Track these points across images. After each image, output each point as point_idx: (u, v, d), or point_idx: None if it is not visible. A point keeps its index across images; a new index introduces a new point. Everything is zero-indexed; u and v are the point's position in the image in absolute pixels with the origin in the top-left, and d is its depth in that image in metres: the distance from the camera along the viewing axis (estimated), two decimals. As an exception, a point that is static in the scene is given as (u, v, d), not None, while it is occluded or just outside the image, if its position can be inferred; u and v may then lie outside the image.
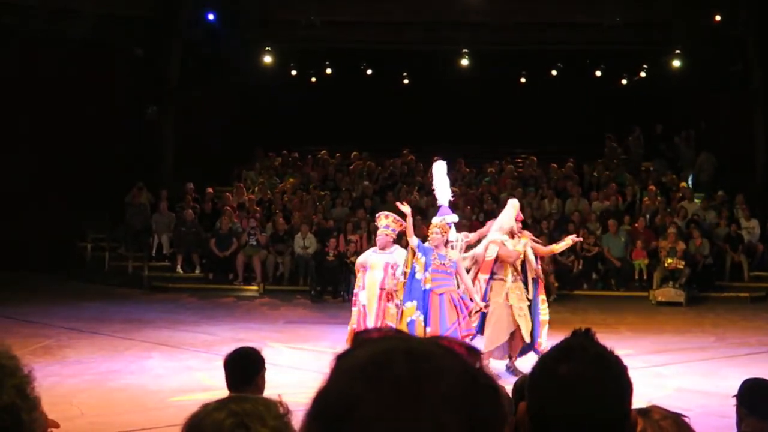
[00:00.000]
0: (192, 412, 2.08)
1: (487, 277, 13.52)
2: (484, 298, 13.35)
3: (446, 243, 13.33)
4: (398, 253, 13.76)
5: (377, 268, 13.77)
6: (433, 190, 14.62)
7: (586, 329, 2.28)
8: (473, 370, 1.43)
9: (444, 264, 13.10)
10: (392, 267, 13.68)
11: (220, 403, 2.09)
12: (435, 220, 13.68)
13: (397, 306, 13.46)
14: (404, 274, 13.43)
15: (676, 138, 27.92)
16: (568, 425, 2.11)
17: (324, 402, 1.40)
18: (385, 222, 13.96)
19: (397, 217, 14.01)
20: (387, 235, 13.84)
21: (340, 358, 1.46)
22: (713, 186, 25.66)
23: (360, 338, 1.49)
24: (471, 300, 13.24)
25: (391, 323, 13.22)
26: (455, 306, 13.06)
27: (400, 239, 14.53)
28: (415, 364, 1.38)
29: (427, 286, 13.06)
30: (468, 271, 13.51)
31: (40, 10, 23.58)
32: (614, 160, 27.98)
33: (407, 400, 1.34)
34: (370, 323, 13.55)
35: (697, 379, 13.48)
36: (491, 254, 13.46)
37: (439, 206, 14.04)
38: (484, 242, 13.72)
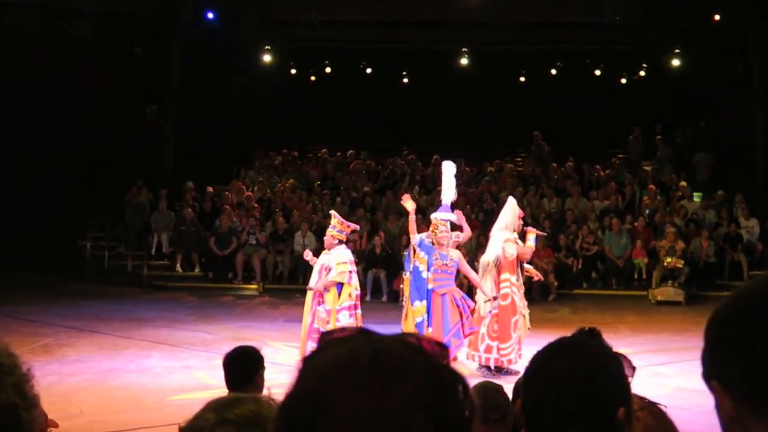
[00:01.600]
0: (187, 423, 2.08)
1: (514, 277, 13.52)
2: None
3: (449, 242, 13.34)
4: (335, 255, 13.71)
5: (315, 269, 13.84)
6: (439, 187, 14.65)
7: (590, 328, 2.29)
8: (441, 367, 1.43)
9: (446, 264, 13.11)
10: (325, 269, 13.67)
11: (217, 414, 2.08)
12: (433, 216, 13.66)
13: (402, 305, 13.53)
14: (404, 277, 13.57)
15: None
16: (561, 423, 2.12)
17: (290, 406, 1.41)
18: (332, 222, 13.99)
19: (343, 220, 14.15)
20: (332, 236, 13.85)
21: (307, 361, 1.46)
22: (713, 185, 25.67)
23: (326, 339, 1.49)
24: (473, 301, 13.27)
25: (320, 327, 13.20)
26: (458, 306, 13.05)
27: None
28: (380, 364, 1.38)
29: (429, 286, 13.07)
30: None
31: (41, 9, 23.60)
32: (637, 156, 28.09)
33: (373, 401, 1.34)
34: (307, 324, 13.61)
35: (696, 379, 13.17)
36: (512, 253, 13.43)
37: (441, 204, 14.01)
38: (494, 244, 13.67)
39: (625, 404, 2.15)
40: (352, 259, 13.99)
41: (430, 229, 13.38)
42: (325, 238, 14.03)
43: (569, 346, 2.22)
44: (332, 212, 14.58)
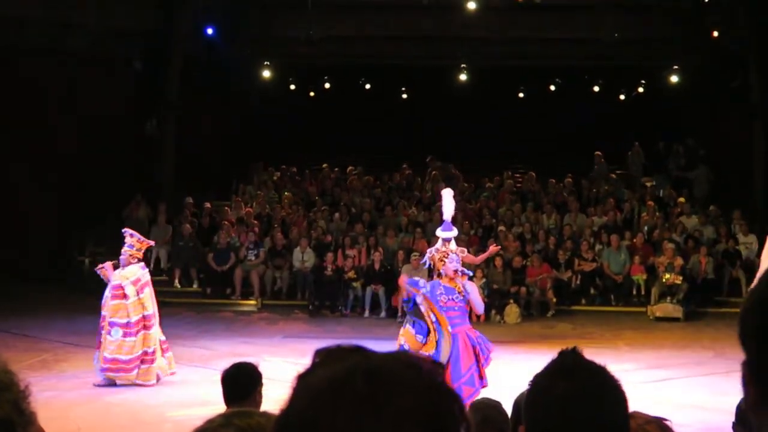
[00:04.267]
0: (197, 428, 2.08)
1: None
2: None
3: (456, 270, 11.67)
4: (127, 271, 13.73)
5: (109, 286, 13.87)
6: (439, 207, 14.42)
7: (573, 348, 2.27)
8: (436, 384, 1.43)
9: (453, 299, 11.42)
10: (113, 288, 13.67)
11: (225, 419, 2.09)
12: (437, 232, 13.21)
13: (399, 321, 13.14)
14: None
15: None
16: None
17: (285, 424, 1.40)
18: (129, 241, 13.96)
19: (141, 238, 14.14)
20: (130, 255, 13.86)
21: (301, 378, 1.45)
22: (711, 201, 25.66)
23: (321, 355, 1.48)
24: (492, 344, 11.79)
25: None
26: (473, 347, 11.33)
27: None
28: (375, 381, 1.37)
29: (449, 329, 11.33)
30: None
31: (41, 23, 23.63)
32: (605, 179, 27.89)
33: (368, 419, 1.34)
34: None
35: (696, 395, 13.46)
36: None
37: (443, 221, 13.62)
38: None
39: (626, 419, 2.15)
40: (142, 278, 13.86)
41: (438, 256, 11.95)
42: (121, 257, 13.96)
43: (570, 366, 2.21)
44: (127, 230, 14.42)
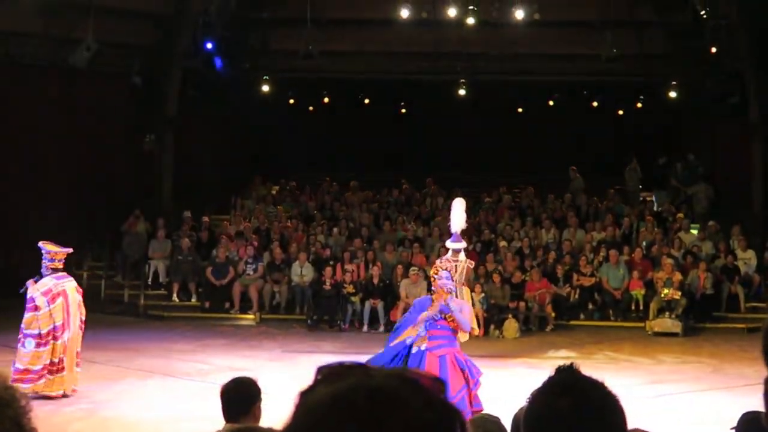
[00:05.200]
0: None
1: None
2: None
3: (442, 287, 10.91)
4: (40, 283, 13.66)
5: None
6: (447, 217, 14.19)
7: (570, 364, 2.27)
8: (438, 403, 1.43)
9: (445, 319, 10.76)
10: (27, 301, 13.64)
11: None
12: (447, 243, 12.89)
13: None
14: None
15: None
16: None
17: None
18: (45, 253, 13.86)
19: (56, 249, 13.95)
20: (48, 267, 13.78)
21: (304, 395, 1.45)
22: (710, 217, 25.67)
23: (324, 373, 1.48)
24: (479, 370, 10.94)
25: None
26: (462, 370, 10.63)
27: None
28: (377, 399, 1.38)
29: (423, 346, 10.75)
30: None
31: (41, 38, 23.68)
32: (576, 194, 27.86)
33: None
34: None
35: (694, 410, 13.44)
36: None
37: (452, 233, 13.29)
38: None
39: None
40: (54, 289, 13.70)
41: (432, 271, 11.54)
42: (42, 270, 13.86)
43: (569, 382, 2.21)
44: (42, 244, 14.15)
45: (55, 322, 13.56)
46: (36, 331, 13.50)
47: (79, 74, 23.70)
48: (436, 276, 11.09)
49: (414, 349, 10.79)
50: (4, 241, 23.00)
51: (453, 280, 11.09)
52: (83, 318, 14.17)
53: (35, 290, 13.63)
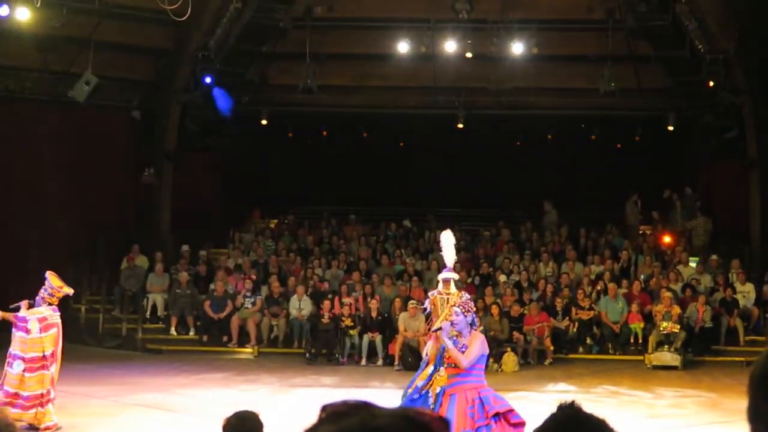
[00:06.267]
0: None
1: None
2: None
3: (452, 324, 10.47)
4: (36, 309, 13.62)
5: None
6: (440, 252, 14.16)
7: (571, 402, 2.26)
8: None
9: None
10: (19, 320, 13.54)
11: None
12: (439, 276, 12.82)
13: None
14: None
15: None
16: None
17: None
18: (48, 284, 13.82)
19: (59, 287, 13.86)
20: (44, 299, 13.72)
21: None
22: (709, 250, 25.68)
23: (328, 411, 1.48)
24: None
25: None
26: (467, 411, 9.92)
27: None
28: None
29: (439, 387, 10.43)
30: None
31: (40, 73, 23.78)
32: (551, 228, 27.90)
33: None
34: None
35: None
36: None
37: (445, 266, 13.21)
38: None
39: None
40: (50, 319, 13.67)
41: (442, 316, 11.17)
42: (37, 297, 13.79)
43: (572, 420, 2.19)
44: (49, 275, 14.08)
45: (44, 350, 13.50)
46: (21, 354, 13.42)
47: (79, 108, 23.77)
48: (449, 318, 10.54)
49: (437, 390, 10.46)
50: (3, 274, 22.95)
51: (468, 324, 10.53)
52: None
53: (31, 314, 13.59)
